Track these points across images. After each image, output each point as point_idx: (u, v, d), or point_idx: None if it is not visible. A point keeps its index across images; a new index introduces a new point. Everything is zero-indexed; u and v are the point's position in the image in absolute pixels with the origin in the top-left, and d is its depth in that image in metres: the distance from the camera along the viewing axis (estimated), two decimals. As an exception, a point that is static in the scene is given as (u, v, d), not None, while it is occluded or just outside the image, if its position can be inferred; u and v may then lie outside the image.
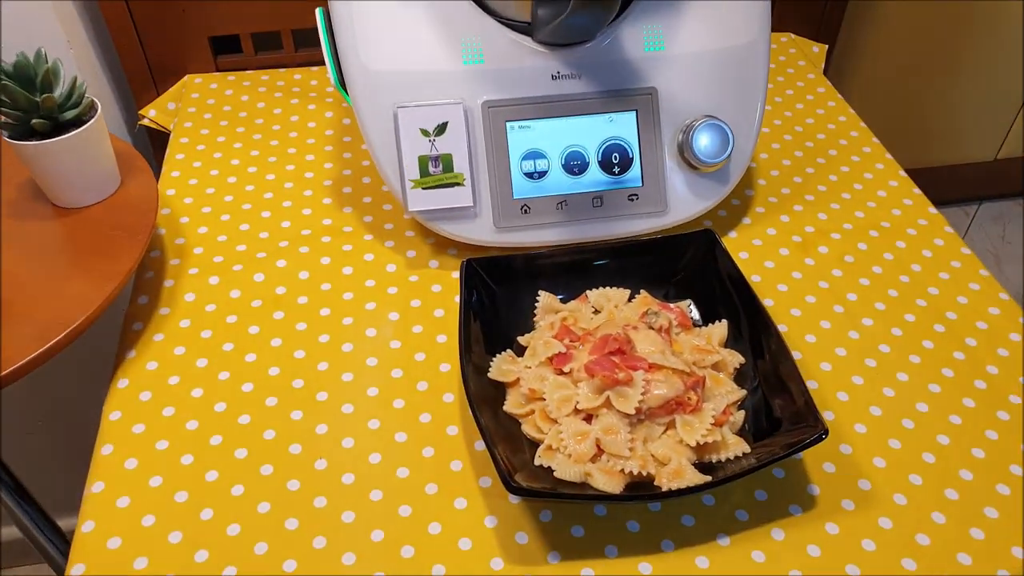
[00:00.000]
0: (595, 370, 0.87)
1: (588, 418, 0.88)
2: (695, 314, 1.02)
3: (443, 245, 1.12)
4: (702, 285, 1.02)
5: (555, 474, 0.83)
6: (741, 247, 1.14)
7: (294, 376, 0.96)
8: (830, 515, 0.84)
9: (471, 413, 0.83)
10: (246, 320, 1.03)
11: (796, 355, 0.99)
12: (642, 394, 0.86)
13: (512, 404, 0.91)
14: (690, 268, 1.03)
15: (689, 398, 0.87)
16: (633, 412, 0.85)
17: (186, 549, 0.80)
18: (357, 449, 0.89)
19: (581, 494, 0.79)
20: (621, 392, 0.87)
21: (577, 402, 0.87)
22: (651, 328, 0.95)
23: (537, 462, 0.85)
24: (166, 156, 1.30)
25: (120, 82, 1.55)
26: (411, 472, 0.87)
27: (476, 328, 0.95)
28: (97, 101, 1.04)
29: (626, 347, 0.90)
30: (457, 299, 1.01)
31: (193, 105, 1.40)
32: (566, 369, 0.91)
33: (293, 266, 1.10)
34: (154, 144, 1.56)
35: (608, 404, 0.86)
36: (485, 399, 0.89)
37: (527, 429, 0.90)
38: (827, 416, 0.87)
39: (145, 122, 1.47)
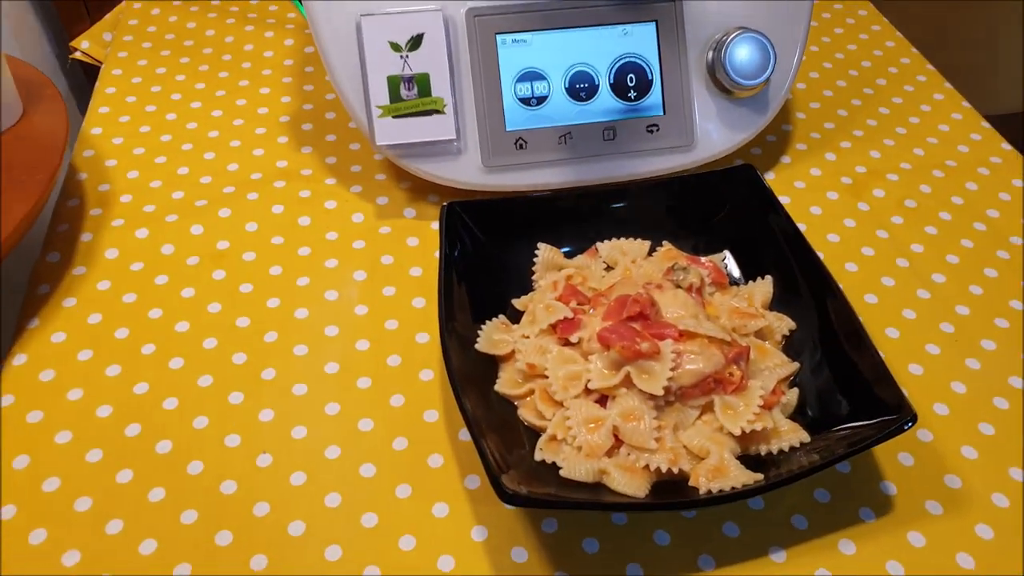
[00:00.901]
0: (611, 339, 0.69)
1: (602, 400, 0.70)
2: (733, 269, 0.83)
3: (421, 190, 0.94)
4: (741, 234, 0.84)
5: (561, 473, 0.65)
6: (781, 191, 0.95)
7: (235, 349, 0.78)
8: (912, 521, 0.66)
9: (453, 395, 0.65)
10: (179, 281, 0.85)
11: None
12: (671, 369, 0.67)
13: (506, 383, 0.73)
14: (726, 213, 0.85)
15: (731, 374, 0.69)
16: (660, 393, 0.67)
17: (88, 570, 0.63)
18: (310, 441, 0.71)
19: (594, 500, 0.61)
20: (644, 367, 0.68)
21: (588, 380, 0.69)
22: (678, 287, 0.77)
23: (538, 457, 0.67)
24: (95, 90, 1.11)
25: (48, 11, 1.34)
26: (378, 470, 0.69)
27: (461, 290, 0.76)
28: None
29: (649, 310, 0.72)
30: (437, 254, 0.82)
31: (130, 33, 1.20)
32: (573, 339, 0.73)
33: (239, 216, 0.92)
34: (92, 83, 1.36)
35: (628, 382, 0.68)
36: (472, 377, 0.71)
37: (525, 414, 0.72)
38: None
39: (77, 55, 1.27)
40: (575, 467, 0.66)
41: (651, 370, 0.68)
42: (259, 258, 0.87)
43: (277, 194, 0.94)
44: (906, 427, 0.61)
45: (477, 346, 0.74)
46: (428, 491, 0.68)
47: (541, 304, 0.76)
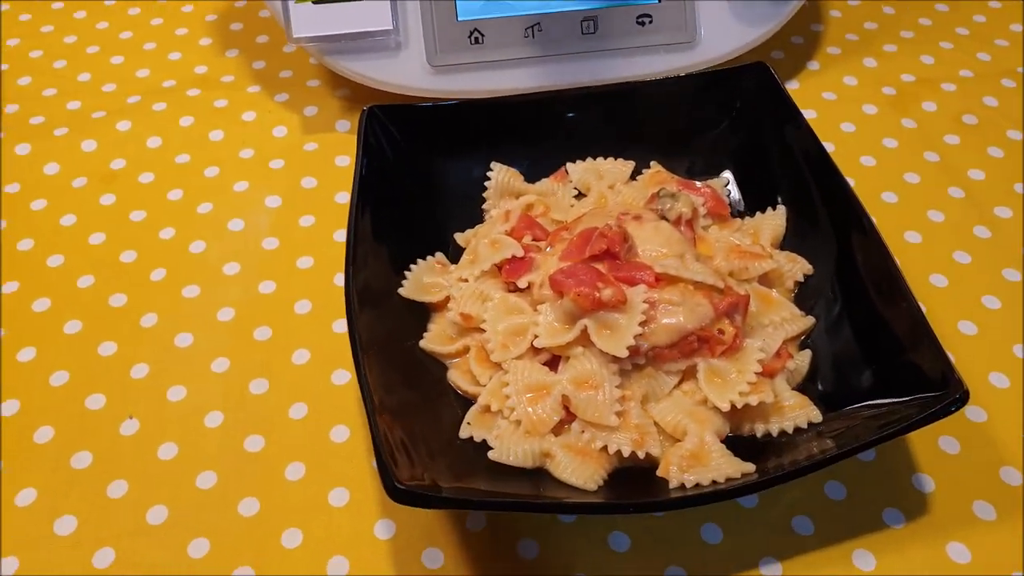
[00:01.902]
0: (565, 284, 0.54)
1: (553, 363, 0.55)
2: (736, 196, 0.67)
3: (359, 98, 0.78)
4: (748, 152, 0.68)
5: (490, 455, 0.51)
6: (806, 103, 0.78)
7: (113, 290, 0.65)
8: (955, 528, 0.51)
9: (352, 353, 0.51)
10: (59, 207, 0.71)
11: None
12: (642, 324, 0.52)
13: (435, 338, 0.59)
14: (730, 124, 0.68)
15: (721, 331, 0.54)
16: (624, 354, 0.52)
17: None
18: (189, 403, 0.58)
19: (524, 500, 0.46)
20: (606, 321, 0.53)
21: (535, 336, 0.54)
22: (664, 219, 0.61)
23: (463, 434, 0.53)
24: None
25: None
26: (267, 443, 0.56)
27: (384, 220, 0.61)
28: None
29: (619, 247, 0.56)
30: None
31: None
32: (522, 283, 0.58)
33: (140, 130, 0.77)
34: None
35: (585, 340, 0.53)
36: (391, 331, 0.57)
37: (455, 378, 0.57)
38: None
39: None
40: (509, 448, 0.52)
41: (615, 324, 0.53)
42: (157, 180, 0.73)
43: (188, 104, 0.80)
44: (952, 409, 0.46)
45: (402, 291, 0.60)
46: (325, 471, 0.55)
47: (486, 239, 0.61)
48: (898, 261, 0.66)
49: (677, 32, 0.73)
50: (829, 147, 0.74)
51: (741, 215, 0.66)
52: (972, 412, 0.57)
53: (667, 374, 0.55)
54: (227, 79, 0.82)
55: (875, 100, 0.79)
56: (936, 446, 0.55)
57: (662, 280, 0.55)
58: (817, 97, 0.79)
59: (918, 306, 0.52)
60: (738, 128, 0.68)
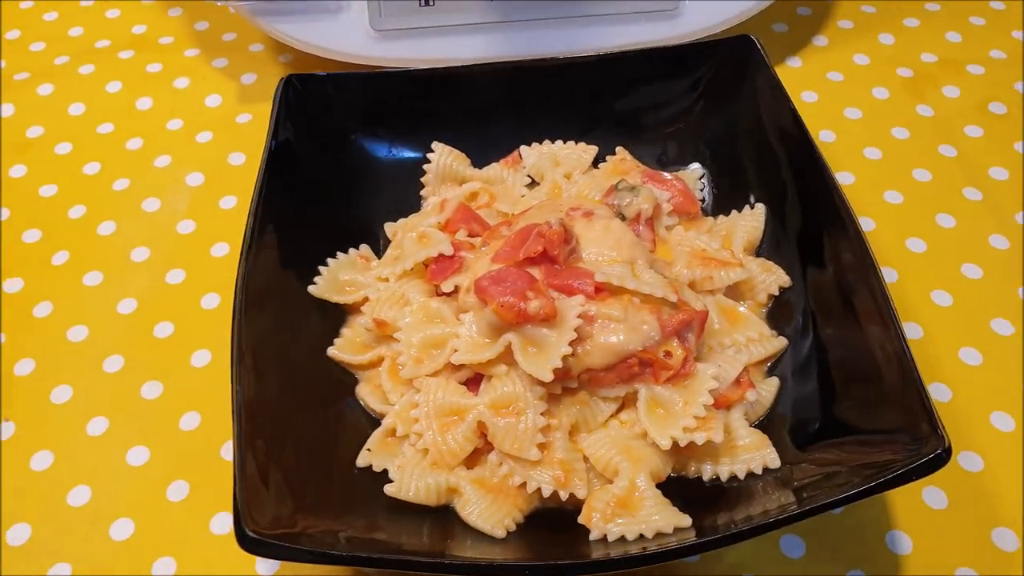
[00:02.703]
0: (490, 292, 0.47)
1: (475, 381, 0.48)
2: (705, 193, 0.59)
3: (304, 64, 0.71)
4: (727, 140, 0.60)
5: (388, 489, 0.45)
6: (808, 84, 0.70)
7: (9, 273, 0.60)
8: (932, 601, 0.44)
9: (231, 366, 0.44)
10: (-38, 178, 0.65)
11: (890, 275, 0.57)
12: (574, 343, 0.45)
13: (345, 345, 0.52)
14: (708, 108, 0.60)
15: (667, 353, 0.47)
16: (547, 378, 0.45)
17: None
18: (74, 406, 0.53)
19: (390, 556, 0.39)
20: (533, 336, 0.46)
21: (455, 349, 0.47)
22: (620, 215, 0.54)
23: (362, 462, 0.47)
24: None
25: None
26: (152, 456, 0.50)
27: (299, 204, 0.55)
28: None
29: (558, 250, 0.49)
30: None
31: None
32: (447, 287, 0.51)
33: (63, 95, 0.72)
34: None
35: (510, 357, 0.46)
36: (295, 335, 0.50)
37: (364, 393, 0.51)
38: (937, 394, 0.52)
39: None
40: (410, 482, 0.45)
41: (543, 341, 0.46)
42: (75, 152, 0.67)
43: (118, 68, 0.73)
44: (929, 469, 0.38)
45: (312, 289, 0.53)
46: (213, 491, 0.48)
47: (413, 233, 0.54)
48: (896, 274, 0.58)
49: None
50: (828, 136, 0.66)
51: (714, 214, 0.59)
52: (966, 459, 0.49)
53: (603, 400, 0.48)
54: (165, 40, 0.76)
55: (888, 83, 0.70)
56: (919, 499, 0.47)
57: (604, 291, 0.48)
58: (820, 78, 0.71)
59: (904, 338, 0.44)
60: (716, 112, 0.60)
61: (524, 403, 0.46)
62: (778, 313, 0.53)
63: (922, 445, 0.39)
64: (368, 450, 0.47)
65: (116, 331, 0.56)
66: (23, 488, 0.49)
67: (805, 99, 0.69)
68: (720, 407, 0.47)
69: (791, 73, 0.71)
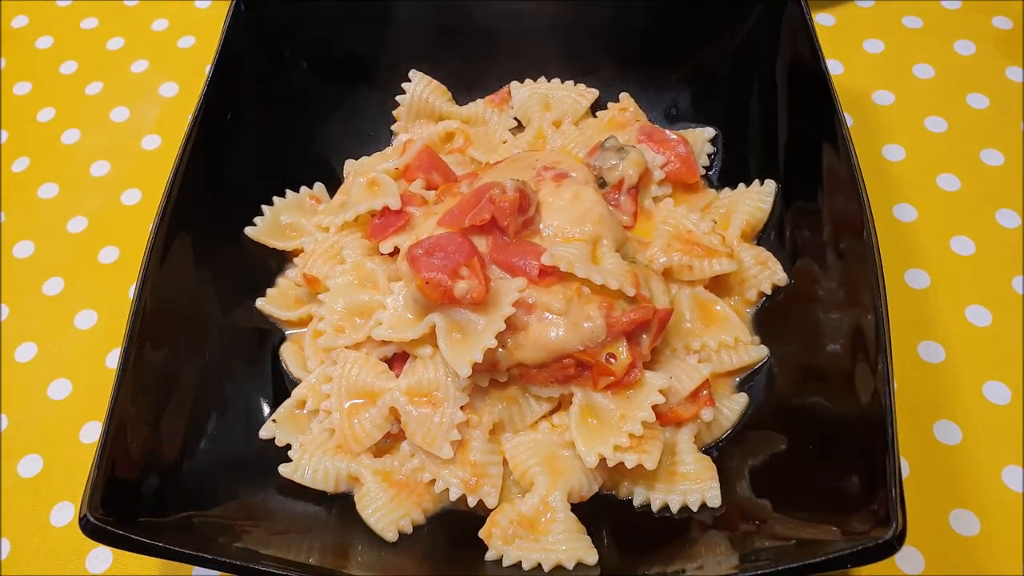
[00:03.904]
0: (420, 263, 0.42)
1: (400, 359, 0.44)
2: (716, 160, 0.51)
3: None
4: (747, 100, 0.51)
5: (282, 469, 0.42)
6: (875, 28, 0.61)
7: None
8: None
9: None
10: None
11: (918, 278, 0.49)
12: (503, 335, 0.40)
13: (275, 298, 0.49)
14: (731, 60, 0.51)
15: (611, 357, 0.41)
16: (466, 372, 0.40)
17: None
18: (9, 328, 0.52)
19: (224, 559, 0.35)
20: (460, 321, 0.42)
21: (379, 322, 0.43)
22: (600, 180, 0.47)
23: (265, 433, 0.44)
24: None
25: None
26: (73, 390, 0.49)
27: (248, 134, 0.50)
28: None
29: (509, 219, 0.43)
30: (209, 68, 0.52)
31: None
32: (385, 248, 0.46)
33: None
34: None
35: (435, 343, 0.42)
36: (226, 281, 0.47)
37: (286, 355, 0.47)
38: (946, 434, 0.46)
39: None
40: (308, 464, 0.42)
41: (470, 327, 0.41)
42: (55, 47, 0.65)
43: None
44: (875, 557, 0.32)
45: (249, 231, 0.49)
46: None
47: (363, 178, 0.49)
48: (928, 279, 0.50)
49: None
50: (886, 98, 0.57)
51: (721, 185, 0.51)
52: (959, 520, 0.42)
53: (535, 399, 0.43)
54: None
55: (977, 35, 0.59)
56: (895, 568, 0.41)
57: (550, 275, 0.42)
58: (894, 23, 0.61)
59: (889, 392, 0.36)
60: (740, 67, 0.51)
61: (444, 394, 0.42)
62: (768, 316, 0.46)
63: (874, 528, 0.33)
64: (274, 421, 0.44)
65: (62, 251, 0.54)
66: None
67: (868, 48, 0.59)
68: (667, 423, 0.42)
69: (856, 14, 0.60)
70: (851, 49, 0.59)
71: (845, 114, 0.55)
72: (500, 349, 0.41)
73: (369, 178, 0.49)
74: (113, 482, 0.36)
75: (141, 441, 0.38)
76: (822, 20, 0.61)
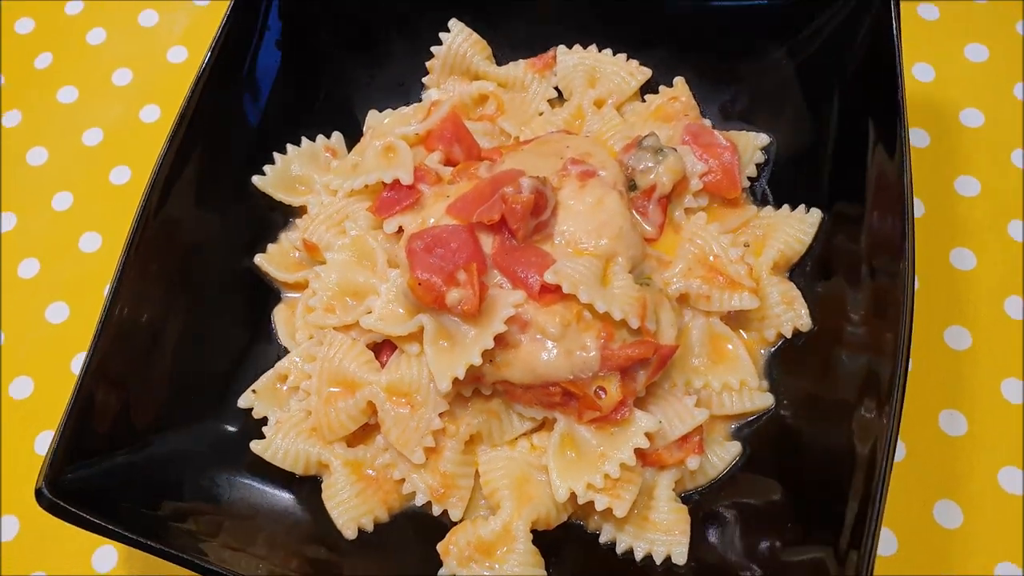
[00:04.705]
0: (416, 259, 0.40)
1: (388, 346, 0.42)
2: (764, 172, 0.47)
3: None
4: (811, 110, 0.46)
5: (253, 446, 0.42)
6: (985, 30, 0.53)
7: (-9, 66, 0.56)
8: None
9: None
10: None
11: (959, 337, 0.46)
12: (489, 353, 0.38)
13: (274, 256, 0.47)
14: (802, 62, 0.46)
15: (600, 391, 0.39)
16: (445, 387, 0.39)
17: None
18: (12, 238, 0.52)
19: (164, 548, 0.35)
20: (448, 328, 0.40)
21: (369, 309, 0.41)
22: (630, 183, 0.43)
23: (243, 402, 0.44)
24: None
25: None
26: (70, 313, 0.49)
27: (267, 69, 0.48)
28: None
29: (519, 223, 0.40)
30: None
31: None
32: (389, 227, 0.44)
33: None
34: None
35: (422, 339, 0.40)
36: (225, 231, 0.46)
37: (278, 319, 0.47)
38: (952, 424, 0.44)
39: None
40: (280, 443, 0.42)
41: (458, 336, 0.40)
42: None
43: None
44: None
45: (256, 180, 0.47)
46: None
47: (380, 141, 0.46)
48: (969, 338, 0.46)
49: None
50: (977, 119, 0.50)
51: (764, 201, 0.47)
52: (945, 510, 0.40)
53: (519, 416, 0.41)
54: None
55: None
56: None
57: (551, 292, 0.39)
58: (1006, 26, 0.53)
59: (886, 472, 0.34)
60: (811, 71, 0.46)
61: (423, 397, 0.40)
62: (781, 359, 0.43)
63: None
64: (253, 391, 0.43)
65: (75, 162, 0.53)
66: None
67: (969, 55, 0.52)
68: (649, 464, 0.40)
69: (966, 10, 0.53)
70: (949, 52, 0.53)
71: (922, 132, 0.50)
72: (486, 364, 0.39)
73: (386, 142, 0.46)
74: (76, 451, 0.36)
75: (114, 402, 0.38)
76: (924, 11, 0.54)
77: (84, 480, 0.36)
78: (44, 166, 0.54)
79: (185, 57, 0.56)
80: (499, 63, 0.51)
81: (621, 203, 0.42)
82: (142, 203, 0.41)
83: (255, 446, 0.42)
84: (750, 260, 0.44)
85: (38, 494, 0.35)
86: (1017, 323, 0.46)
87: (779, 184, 0.47)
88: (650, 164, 0.45)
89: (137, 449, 0.39)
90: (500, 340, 0.39)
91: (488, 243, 0.41)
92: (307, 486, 0.42)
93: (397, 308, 0.42)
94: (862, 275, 0.42)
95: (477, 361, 0.38)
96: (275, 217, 0.48)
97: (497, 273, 0.41)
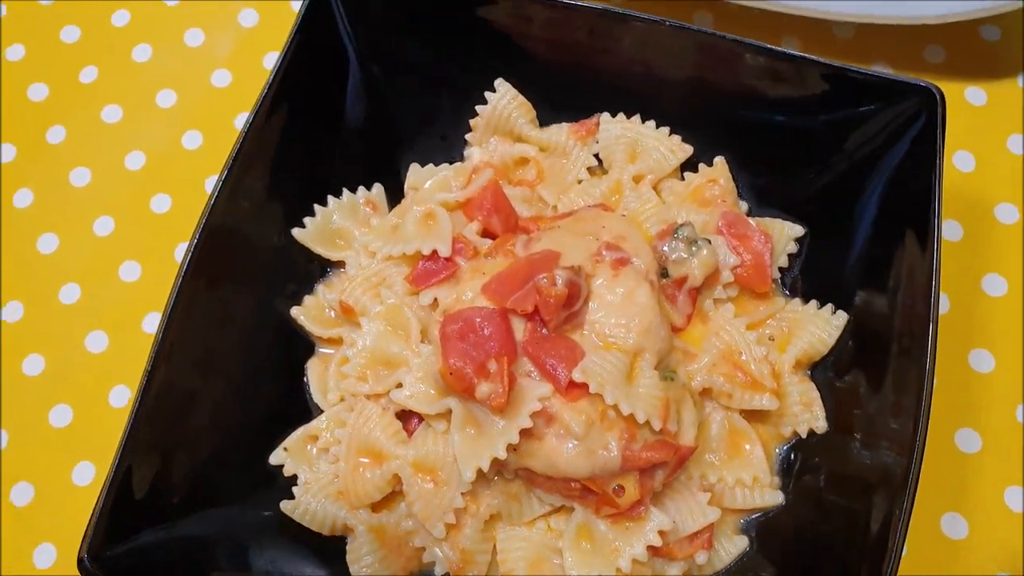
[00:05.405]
0: (450, 345, 0.41)
1: (411, 416, 0.44)
2: (796, 263, 0.48)
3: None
4: (847, 210, 0.46)
5: (283, 505, 0.43)
6: (990, 133, 0.53)
7: (36, 77, 0.57)
8: None
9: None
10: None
11: (969, 440, 0.47)
12: (519, 441, 0.40)
13: (310, 309, 0.48)
14: (841, 158, 0.46)
15: (619, 489, 0.40)
16: (469, 477, 0.41)
17: None
18: (53, 261, 0.53)
19: None
20: (476, 416, 0.41)
21: (400, 383, 0.43)
22: (662, 271, 0.44)
23: (275, 459, 0.45)
24: None
25: None
26: (110, 343, 0.50)
27: (312, 124, 0.48)
28: None
29: (552, 315, 0.41)
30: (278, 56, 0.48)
31: None
32: (425, 299, 0.45)
33: None
34: None
35: (450, 419, 0.41)
36: (266, 283, 0.47)
37: (312, 372, 0.48)
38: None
39: None
40: (309, 503, 0.44)
41: (485, 425, 0.41)
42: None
43: None
44: None
45: (296, 233, 0.48)
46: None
47: (421, 208, 0.46)
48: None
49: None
50: (1009, 215, 0.50)
51: (795, 291, 0.47)
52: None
53: (538, 500, 0.43)
54: None
55: None
56: None
57: (578, 388, 0.40)
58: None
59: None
60: (850, 169, 0.46)
61: (447, 475, 0.42)
62: (796, 457, 0.44)
63: None
64: (285, 449, 0.45)
65: (117, 186, 0.54)
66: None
67: (1012, 147, 0.52)
68: (659, 555, 0.42)
69: (1014, 95, 0.52)
70: (992, 142, 0.52)
71: (956, 224, 0.50)
72: (510, 454, 0.41)
73: (426, 209, 0.47)
74: (115, 524, 0.38)
75: (151, 473, 0.40)
76: (972, 97, 0.53)
77: (126, 547, 0.38)
78: (88, 187, 0.54)
79: (229, 81, 0.56)
80: (541, 122, 0.51)
81: (652, 297, 0.43)
82: (187, 264, 0.42)
83: (285, 506, 0.44)
84: (774, 356, 0.45)
85: (80, 564, 0.37)
86: (1028, 431, 0.47)
87: (810, 281, 0.47)
88: (684, 255, 0.45)
89: (176, 514, 0.41)
90: (525, 431, 0.40)
91: (520, 328, 0.42)
92: (331, 545, 0.44)
93: (427, 388, 0.43)
94: (881, 374, 0.43)
95: (502, 455, 0.40)
96: (313, 269, 0.49)
97: (526, 360, 0.42)
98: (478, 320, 0.42)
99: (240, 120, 0.55)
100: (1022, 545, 0.45)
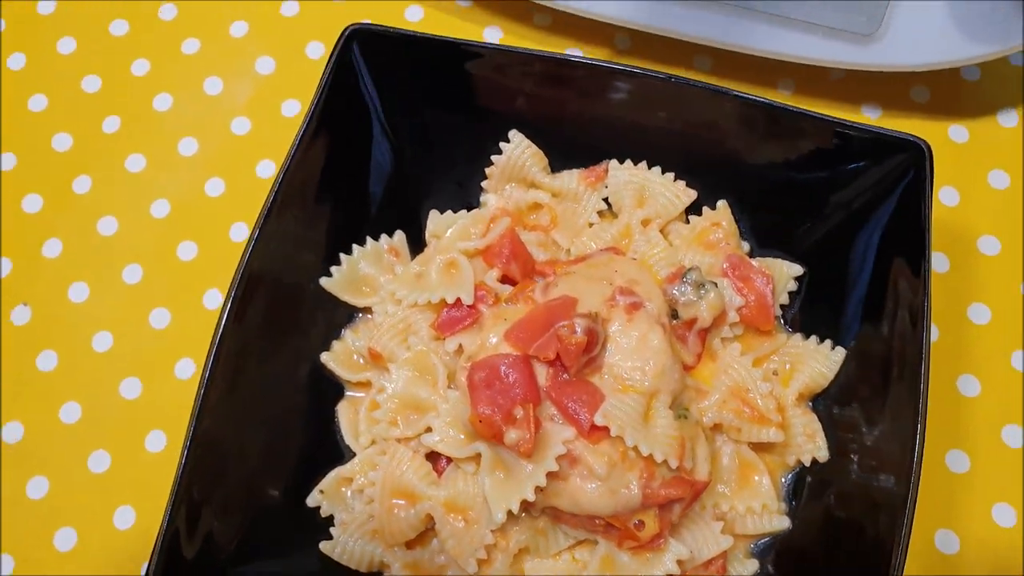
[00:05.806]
0: (477, 393, 0.44)
1: (440, 459, 0.46)
2: (797, 301, 0.51)
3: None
4: (841, 254, 0.49)
5: (323, 546, 0.46)
6: (972, 168, 0.56)
7: (63, 126, 0.58)
8: None
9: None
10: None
11: (959, 460, 0.50)
12: (546, 482, 0.42)
13: (340, 355, 0.51)
14: (835, 204, 0.49)
15: (640, 523, 0.43)
16: (500, 519, 0.43)
17: None
18: (86, 307, 0.55)
19: None
20: (505, 460, 0.44)
21: (429, 427, 0.45)
22: (672, 312, 0.47)
23: (312, 501, 0.48)
24: None
25: None
26: (143, 390, 0.53)
27: (339, 173, 0.50)
28: None
29: (572, 361, 0.44)
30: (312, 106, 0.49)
31: None
32: (450, 345, 0.47)
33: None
34: None
35: (478, 461, 0.44)
36: (298, 328, 0.49)
37: (342, 415, 0.50)
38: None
39: None
40: (346, 543, 0.46)
41: (513, 469, 0.44)
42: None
43: None
44: None
45: (324, 283, 0.50)
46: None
47: (443, 257, 0.49)
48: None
49: (852, 15, 0.50)
50: (991, 247, 0.53)
51: (794, 326, 0.50)
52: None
53: (564, 534, 0.46)
54: None
55: None
56: None
57: (599, 430, 0.43)
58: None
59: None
60: (842, 216, 0.49)
61: (477, 514, 0.45)
62: (800, 484, 0.47)
63: None
64: (321, 492, 0.48)
65: (143, 234, 0.56)
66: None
67: (992, 182, 0.55)
68: (679, 583, 0.45)
69: (994, 134, 0.56)
70: (974, 178, 0.55)
71: (943, 256, 0.53)
72: (538, 492, 0.43)
73: (448, 258, 0.49)
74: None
75: (200, 530, 0.42)
76: (955, 134, 0.56)
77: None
78: (115, 236, 0.56)
79: (248, 129, 0.58)
80: (553, 169, 0.53)
81: (664, 339, 0.46)
82: (226, 312, 0.44)
83: (324, 547, 0.46)
84: (778, 391, 0.48)
85: None
86: (1015, 451, 0.50)
87: (809, 318, 0.50)
88: (692, 299, 0.48)
89: (225, 567, 0.43)
90: (550, 473, 0.43)
91: (542, 373, 0.45)
92: (366, 583, 0.47)
93: (457, 433, 0.45)
94: (877, 404, 0.46)
95: (531, 498, 0.43)
96: (339, 315, 0.51)
97: (549, 404, 0.45)
98: (503, 368, 0.44)
99: (261, 167, 0.57)
100: (1017, 558, 0.48)
